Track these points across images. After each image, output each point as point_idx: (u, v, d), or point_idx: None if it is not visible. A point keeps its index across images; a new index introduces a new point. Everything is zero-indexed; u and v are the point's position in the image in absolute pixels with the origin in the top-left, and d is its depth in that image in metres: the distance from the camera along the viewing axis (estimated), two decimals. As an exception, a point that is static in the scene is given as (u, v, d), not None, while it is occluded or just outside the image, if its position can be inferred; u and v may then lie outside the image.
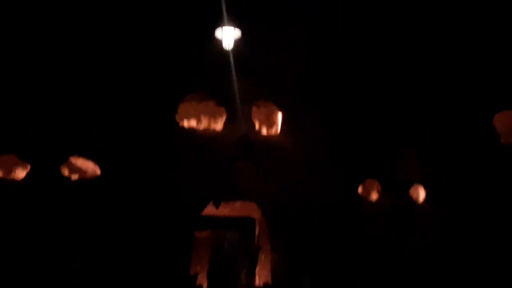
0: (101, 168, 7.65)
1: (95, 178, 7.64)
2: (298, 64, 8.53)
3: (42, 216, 7.27)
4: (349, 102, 8.55)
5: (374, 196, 8.30)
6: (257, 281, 8.20)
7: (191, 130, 8.20)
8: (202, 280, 7.92)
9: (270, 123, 8.43)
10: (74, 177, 7.55)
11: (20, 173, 7.42)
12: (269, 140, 8.33)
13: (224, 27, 8.18)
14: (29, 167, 7.45)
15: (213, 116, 8.24)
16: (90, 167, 7.63)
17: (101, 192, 7.55)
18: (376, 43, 8.65)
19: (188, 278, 7.60)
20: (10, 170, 7.39)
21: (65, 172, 7.52)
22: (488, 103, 8.46)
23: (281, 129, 8.43)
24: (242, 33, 8.21)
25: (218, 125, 8.27)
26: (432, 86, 8.64)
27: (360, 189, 8.31)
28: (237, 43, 8.28)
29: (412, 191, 8.41)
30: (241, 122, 8.21)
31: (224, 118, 8.27)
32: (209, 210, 8.07)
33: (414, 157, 8.46)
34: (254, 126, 8.35)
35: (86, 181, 7.61)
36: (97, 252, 7.31)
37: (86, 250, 7.28)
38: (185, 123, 8.21)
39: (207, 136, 8.17)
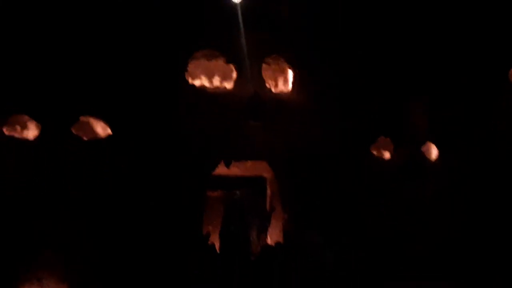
0: (111, 128, 7.54)
1: (106, 138, 7.54)
2: (309, 18, 8.35)
3: (52, 178, 7.22)
4: (362, 58, 8.44)
5: (386, 154, 8.25)
6: (269, 240, 8.25)
7: (201, 88, 8.04)
8: (214, 239, 7.95)
9: (281, 80, 8.31)
10: (85, 136, 7.45)
11: (32, 132, 7.33)
12: (280, 98, 8.22)
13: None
14: (40, 127, 7.35)
15: (223, 74, 8.09)
16: (101, 126, 7.53)
17: (112, 154, 7.45)
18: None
19: (201, 237, 7.59)
20: (21, 129, 7.29)
21: (76, 131, 7.43)
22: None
23: (292, 86, 8.31)
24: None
25: (229, 83, 8.12)
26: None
27: (372, 147, 8.25)
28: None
29: (424, 148, 8.38)
30: (252, 79, 8.06)
31: (234, 75, 8.11)
32: (220, 169, 8.02)
33: (426, 114, 8.40)
34: (265, 84, 8.22)
35: (97, 140, 7.52)
36: (109, 215, 7.27)
37: (100, 212, 7.25)
38: (195, 82, 8.05)
39: (218, 94, 8.02)
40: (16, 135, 7.29)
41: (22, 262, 6.93)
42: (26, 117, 7.29)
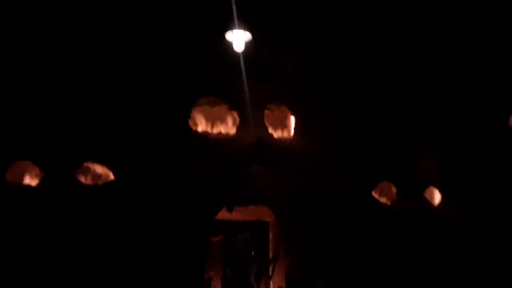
0: (114, 174, 7.62)
1: (109, 183, 7.62)
2: (310, 66, 8.52)
3: (55, 221, 7.23)
4: (362, 105, 8.56)
5: (389, 199, 8.26)
6: (272, 286, 8.18)
7: (204, 135, 8.16)
8: (217, 284, 7.91)
9: (283, 127, 8.43)
10: (88, 182, 7.53)
11: (34, 180, 7.41)
12: (282, 144, 8.31)
13: (234, 30, 8.13)
14: (43, 173, 7.43)
15: (226, 120, 8.24)
16: (104, 172, 7.61)
17: (115, 198, 7.51)
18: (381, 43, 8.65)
19: (203, 282, 7.56)
20: (24, 176, 7.37)
21: (79, 177, 7.51)
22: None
23: (294, 132, 8.42)
24: (253, 36, 8.16)
25: (231, 129, 8.24)
26: (442, 85, 8.63)
27: (374, 192, 8.27)
28: (248, 45, 8.23)
29: (427, 194, 8.38)
30: (254, 126, 8.18)
31: (237, 122, 8.25)
32: (223, 214, 8.05)
33: (428, 159, 8.43)
34: (267, 130, 8.33)
35: (100, 186, 7.59)
36: (111, 258, 7.26)
37: (103, 256, 7.25)
38: (198, 128, 8.18)
39: (220, 140, 8.13)
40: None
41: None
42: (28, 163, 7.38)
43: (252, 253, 8.06)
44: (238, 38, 8.13)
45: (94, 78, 7.79)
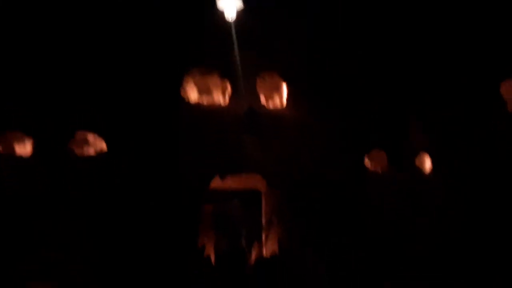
0: (107, 144, 7.62)
1: (102, 154, 7.63)
2: (302, 34, 8.44)
3: (48, 194, 7.28)
4: (355, 72, 8.52)
5: (380, 167, 8.33)
6: (264, 252, 8.33)
7: (196, 104, 8.13)
8: (210, 251, 8.04)
9: (275, 96, 8.41)
10: (81, 152, 7.53)
11: (26, 149, 7.40)
12: (274, 113, 8.31)
13: (225, -2, 8.03)
14: (33, 142, 7.41)
15: (218, 90, 8.20)
16: (96, 142, 7.61)
17: (108, 168, 7.53)
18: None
19: (196, 250, 7.68)
20: (15, 146, 7.35)
21: (72, 147, 7.50)
22: (494, 71, 8.41)
23: (286, 101, 8.41)
24: (244, 3, 8.05)
25: (223, 99, 8.22)
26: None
27: (366, 160, 8.33)
28: (240, 14, 8.13)
29: (418, 161, 8.44)
30: (246, 95, 8.16)
31: (229, 91, 8.21)
32: (216, 183, 8.11)
33: (420, 127, 8.47)
34: (259, 99, 8.31)
35: (93, 157, 7.60)
36: (104, 226, 7.33)
37: (95, 224, 7.32)
38: (190, 97, 8.15)
39: (212, 110, 8.13)
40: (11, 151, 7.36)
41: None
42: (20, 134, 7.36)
43: (243, 220, 8.17)
44: (230, 6, 8.04)
45: (87, 47, 7.71)
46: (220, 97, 8.22)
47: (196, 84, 8.14)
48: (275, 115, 8.28)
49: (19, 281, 6.85)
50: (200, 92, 8.17)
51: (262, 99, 8.34)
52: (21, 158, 7.34)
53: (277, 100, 8.41)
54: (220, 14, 8.06)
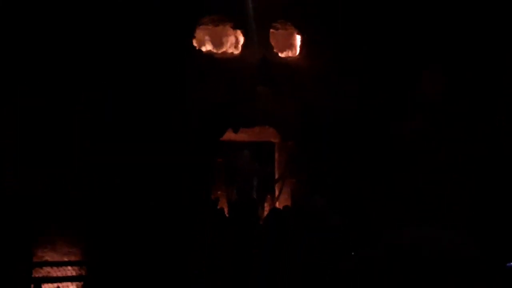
0: (113, 96, 7.43)
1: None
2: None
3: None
4: (366, 24, 8.36)
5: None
6: (277, 204, 8.35)
7: (209, 54, 8.03)
8: (223, 203, 8.07)
9: (289, 46, 8.32)
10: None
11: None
12: (287, 63, 8.22)
13: None
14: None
15: (231, 39, 8.09)
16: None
17: (119, 118, 7.44)
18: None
19: (210, 202, 7.70)
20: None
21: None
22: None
23: (300, 51, 8.30)
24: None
25: (236, 49, 8.12)
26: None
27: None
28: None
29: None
30: (259, 45, 8.04)
31: (242, 41, 8.10)
32: (229, 135, 8.08)
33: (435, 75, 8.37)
34: (272, 49, 8.21)
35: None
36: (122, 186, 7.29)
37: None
38: (203, 47, 8.05)
39: (225, 59, 8.02)
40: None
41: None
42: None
43: (254, 171, 8.14)
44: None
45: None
46: (233, 46, 8.10)
47: (209, 33, 8.04)
48: (289, 64, 8.19)
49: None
50: (213, 41, 8.08)
51: (275, 49, 8.24)
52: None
53: (290, 50, 8.29)
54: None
